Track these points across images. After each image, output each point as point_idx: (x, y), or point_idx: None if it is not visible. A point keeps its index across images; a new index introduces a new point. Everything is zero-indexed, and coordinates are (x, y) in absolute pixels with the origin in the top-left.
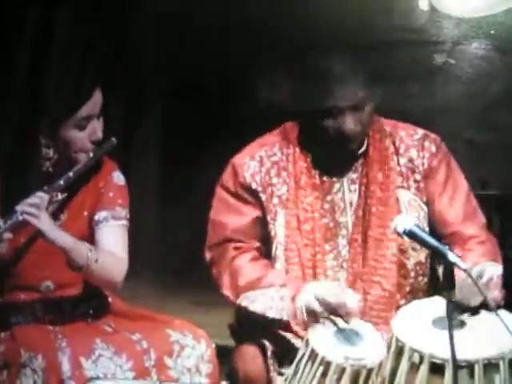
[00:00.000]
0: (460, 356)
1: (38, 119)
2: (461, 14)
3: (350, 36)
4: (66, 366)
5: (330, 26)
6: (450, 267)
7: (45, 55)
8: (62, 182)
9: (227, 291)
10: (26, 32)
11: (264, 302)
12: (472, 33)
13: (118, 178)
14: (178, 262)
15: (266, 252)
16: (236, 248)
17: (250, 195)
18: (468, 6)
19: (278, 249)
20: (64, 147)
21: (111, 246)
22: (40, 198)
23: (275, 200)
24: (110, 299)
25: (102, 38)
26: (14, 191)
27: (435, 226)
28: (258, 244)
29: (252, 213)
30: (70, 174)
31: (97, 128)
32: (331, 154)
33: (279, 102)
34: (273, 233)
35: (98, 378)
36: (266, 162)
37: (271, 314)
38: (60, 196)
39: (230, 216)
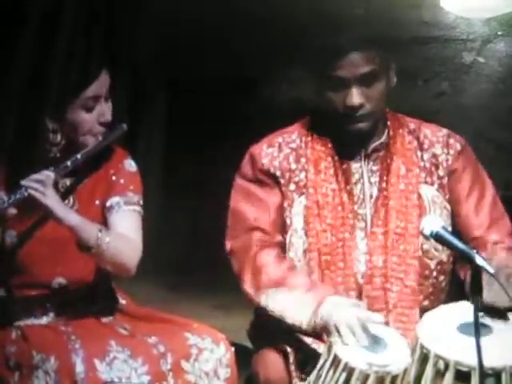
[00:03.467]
0: (487, 363)
1: (43, 102)
2: (491, 13)
3: (376, 32)
4: (79, 368)
5: (357, 23)
6: (477, 271)
7: (50, 37)
8: (69, 163)
9: (249, 287)
10: (31, 13)
11: (284, 304)
12: (502, 31)
13: (130, 165)
14: (195, 265)
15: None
16: (259, 242)
17: (270, 179)
18: (497, 4)
19: (292, 236)
20: (72, 130)
21: (124, 230)
22: (46, 175)
23: (292, 186)
24: (123, 301)
25: (107, 21)
26: (20, 178)
27: (459, 229)
28: (280, 238)
29: (273, 200)
30: (78, 156)
31: (105, 110)
32: (345, 136)
33: (295, 95)
34: (288, 220)
35: (112, 382)
36: (284, 148)
37: (290, 319)
38: (68, 182)
39: (252, 205)
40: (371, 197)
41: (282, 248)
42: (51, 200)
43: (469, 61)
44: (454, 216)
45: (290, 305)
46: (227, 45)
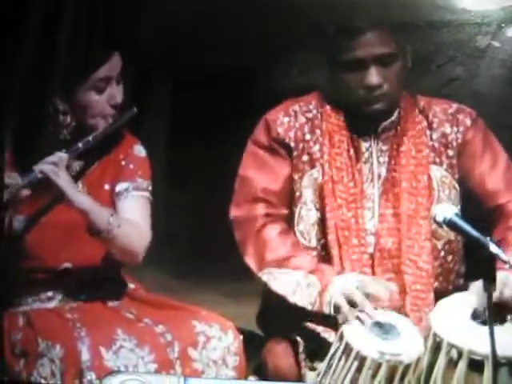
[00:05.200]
0: (500, 352)
1: (53, 83)
2: None
3: (391, 15)
4: (85, 356)
5: (369, 6)
6: (490, 259)
7: (58, 17)
8: (80, 145)
9: (251, 261)
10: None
11: (287, 284)
12: None
13: (140, 150)
14: (204, 252)
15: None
16: (265, 215)
17: (283, 149)
18: None
19: (302, 209)
20: (82, 112)
21: (132, 215)
22: (59, 157)
23: (305, 157)
24: (132, 286)
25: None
26: (30, 160)
27: (475, 201)
28: (285, 211)
29: (284, 171)
30: (90, 138)
31: (116, 92)
32: (359, 114)
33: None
34: (298, 193)
35: (119, 371)
36: (300, 117)
37: (293, 299)
38: (78, 167)
39: (261, 173)
40: (379, 177)
41: (288, 221)
42: (64, 181)
43: (483, 45)
44: (468, 189)
45: (294, 286)
46: (228, 32)
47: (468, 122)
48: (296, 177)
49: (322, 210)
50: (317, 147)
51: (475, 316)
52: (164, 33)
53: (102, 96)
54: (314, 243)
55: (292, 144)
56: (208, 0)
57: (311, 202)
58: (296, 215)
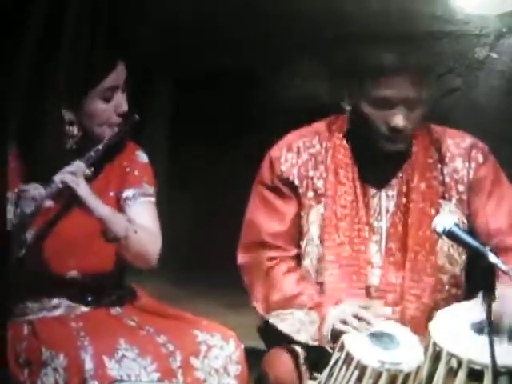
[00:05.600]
0: (500, 362)
1: (60, 93)
2: (504, 8)
3: (391, 25)
4: (88, 365)
5: (370, 15)
6: (489, 269)
7: (64, 28)
8: (92, 154)
9: (259, 305)
10: (44, 3)
11: (292, 324)
12: None
13: (142, 156)
14: (205, 262)
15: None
16: (271, 258)
17: (287, 188)
18: None
19: (308, 245)
20: (89, 121)
21: (144, 221)
22: (77, 166)
23: (310, 194)
24: (136, 293)
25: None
26: (38, 171)
27: (478, 236)
28: (295, 251)
29: (291, 211)
30: (100, 146)
31: (122, 100)
32: (374, 151)
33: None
34: (305, 229)
35: (122, 380)
36: (303, 153)
37: (299, 338)
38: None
39: (267, 218)
40: (387, 211)
41: (296, 259)
42: (84, 190)
43: (482, 56)
44: (474, 227)
45: (298, 325)
46: (229, 32)
47: (480, 158)
48: (302, 213)
49: (323, 246)
50: (321, 183)
51: (475, 326)
52: (164, 33)
53: (109, 105)
54: (314, 278)
55: (296, 182)
56: (208, 0)
57: (318, 238)
58: (302, 250)
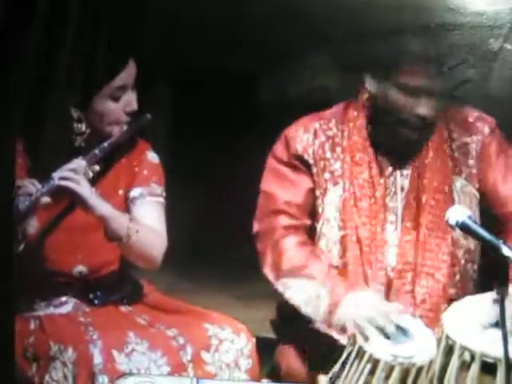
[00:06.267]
0: None
1: (68, 91)
2: None
3: (403, 17)
4: (97, 359)
5: (383, 6)
6: (503, 262)
7: (73, 27)
8: (97, 152)
9: (268, 271)
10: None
11: (301, 294)
12: None
13: (153, 156)
14: (216, 255)
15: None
16: (286, 227)
17: (302, 165)
18: None
19: (324, 225)
20: (98, 119)
21: (149, 221)
22: (78, 163)
23: (327, 175)
24: (144, 290)
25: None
26: (45, 168)
27: (489, 206)
28: (308, 222)
29: (305, 184)
30: (105, 144)
31: (132, 99)
32: (393, 136)
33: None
34: (320, 209)
35: (131, 373)
36: (320, 135)
37: (306, 310)
38: (91, 174)
39: (282, 187)
40: (402, 189)
41: (309, 232)
42: (84, 189)
43: (496, 48)
44: (483, 195)
45: (306, 298)
46: (231, 31)
47: (487, 130)
48: (318, 193)
49: (343, 227)
50: (338, 165)
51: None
52: (164, 32)
53: (119, 104)
54: (334, 261)
55: (311, 161)
56: (208, 0)
57: (334, 220)
58: (318, 231)
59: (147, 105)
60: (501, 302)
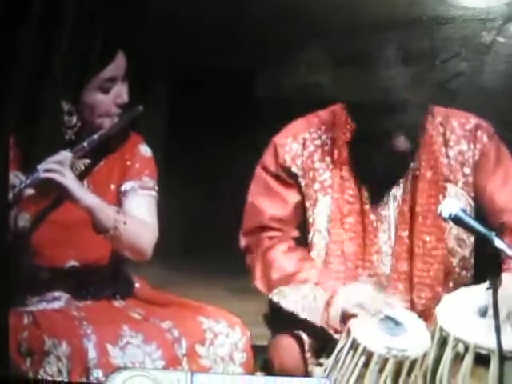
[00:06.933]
0: (506, 346)
1: (58, 84)
2: None
3: (395, 10)
4: (91, 353)
5: (374, 2)
6: (496, 254)
7: (61, 19)
8: (85, 144)
9: (260, 284)
10: None
11: (296, 300)
12: None
13: (145, 150)
14: (207, 247)
15: (303, 239)
16: (270, 238)
17: (289, 177)
18: None
19: (315, 236)
20: (88, 112)
21: (139, 213)
22: (63, 155)
23: (316, 185)
24: (137, 285)
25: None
26: (36, 162)
27: (485, 215)
28: (295, 233)
29: (293, 198)
30: (95, 136)
31: (122, 91)
32: (382, 150)
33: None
34: (311, 219)
35: (125, 367)
36: (309, 145)
37: (304, 316)
38: (83, 166)
39: (268, 201)
40: (394, 198)
41: (297, 242)
42: (69, 180)
43: (488, 41)
44: (480, 204)
45: (302, 301)
46: (229, 30)
47: (485, 138)
48: (308, 204)
49: (330, 240)
50: (328, 174)
51: (481, 311)
52: (164, 32)
53: (109, 96)
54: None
55: (300, 173)
56: (208, 0)
57: (325, 230)
58: (309, 241)
59: (146, 104)
60: (493, 293)
